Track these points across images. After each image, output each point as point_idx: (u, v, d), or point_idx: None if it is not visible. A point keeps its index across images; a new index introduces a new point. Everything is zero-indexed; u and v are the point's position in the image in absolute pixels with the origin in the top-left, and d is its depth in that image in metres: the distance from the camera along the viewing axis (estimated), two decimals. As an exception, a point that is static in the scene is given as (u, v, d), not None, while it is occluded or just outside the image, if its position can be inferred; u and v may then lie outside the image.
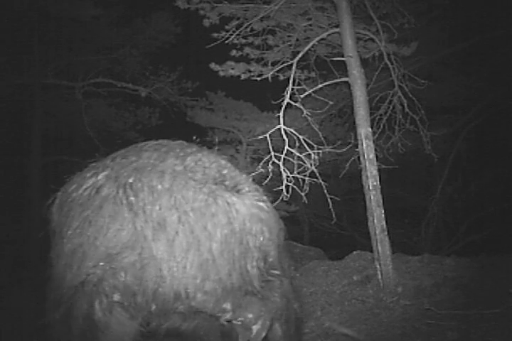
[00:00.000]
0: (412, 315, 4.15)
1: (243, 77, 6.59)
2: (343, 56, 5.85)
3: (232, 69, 6.54)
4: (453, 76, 10.13)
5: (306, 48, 6.08)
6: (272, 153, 5.57)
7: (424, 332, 4.00)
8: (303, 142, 5.72)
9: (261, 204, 2.26)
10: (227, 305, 2.17)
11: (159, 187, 2.07)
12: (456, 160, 10.95)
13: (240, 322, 2.25)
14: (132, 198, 2.04)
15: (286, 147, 5.63)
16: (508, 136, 10.45)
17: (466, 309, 4.31)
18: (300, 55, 6.09)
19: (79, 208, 2.10)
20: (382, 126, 6.55)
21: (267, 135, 5.77)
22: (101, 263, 2.01)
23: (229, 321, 2.28)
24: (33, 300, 5.51)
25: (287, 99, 5.76)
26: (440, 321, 4.15)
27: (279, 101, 5.84)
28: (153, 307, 2.06)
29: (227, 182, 2.24)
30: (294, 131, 5.75)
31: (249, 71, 6.58)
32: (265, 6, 6.09)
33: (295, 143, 5.76)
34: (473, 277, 5.14)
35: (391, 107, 6.42)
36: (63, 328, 2.11)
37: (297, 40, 6.52)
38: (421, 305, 4.45)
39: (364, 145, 5.53)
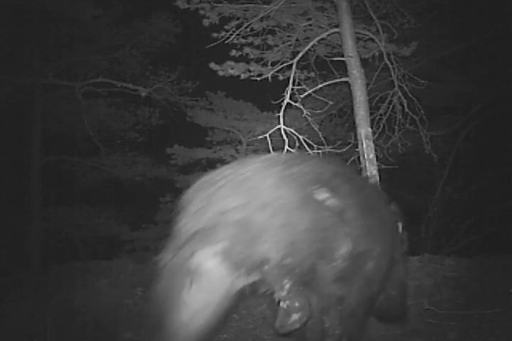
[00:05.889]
0: (412, 315, 4.14)
1: (243, 77, 6.58)
2: (343, 56, 5.86)
3: (232, 69, 6.53)
4: (453, 76, 10.13)
5: (306, 48, 6.08)
6: (272, 153, 5.57)
7: (424, 332, 4.00)
8: (303, 142, 5.72)
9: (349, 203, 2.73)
10: (286, 284, 2.55)
11: (269, 181, 2.61)
12: (456, 160, 10.95)
13: (285, 306, 2.59)
14: (248, 184, 2.60)
15: (286, 147, 5.63)
16: (508, 136, 10.45)
17: (466, 309, 4.31)
18: (300, 55, 6.09)
19: (207, 186, 2.67)
20: (382, 126, 6.54)
21: (267, 135, 5.78)
22: (217, 216, 2.52)
23: (277, 301, 2.62)
24: (33, 300, 5.51)
25: (287, 99, 5.76)
26: (440, 321, 4.15)
27: (279, 101, 5.84)
28: (245, 265, 2.48)
29: (326, 184, 2.72)
30: (294, 131, 5.75)
31: (249, 71, 6.57)
32: (265, 6, 6.09)
33: (295, 143, 5.76)
34: (473, 277, 5.14)
35: (391, 107, 6.42)
36: (169, 272, 2.56)
37: (297, 40, 6.51)
38: (421, 305, 4.45)
39: (364, 145, 5.53)
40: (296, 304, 2.57)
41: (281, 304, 2.60)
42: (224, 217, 2.51)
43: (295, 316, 2.58)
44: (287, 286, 2.55)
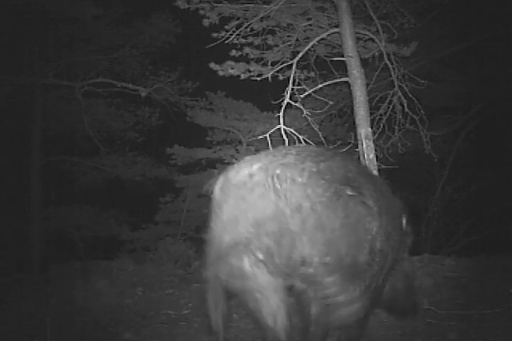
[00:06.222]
0: (411, 314, 4.15)
1: (243, 77, 6.57)
2: (343, 56, 5.86)
3: (232, 69, 6.52)
4: (453, 76, 10.13)
5: (306, 48, 6.08)
6: (272, 153, 5.55)
7: (424, 332, 4.00)
8: (303, 142, 5.72)
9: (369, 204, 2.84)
10: (333, 280, 2.62)
11: (299, 180, 2.61)
12: (456, 160, 10.94)
13: (333, 302, 2.66)
14: (278, 185, 2.59)
15: (286, 147, 5.62)
16: (508, 136, 10.45)
17: (466, 309, 4.31)
18: (300, 55, 6.09)
19: (236, 189, 2.65)
20: (382, 126, 6.53)
21: (267, 135, 5.79)
22: (251, 229, 2.56)
23: (316, 299, 2.71)
24: (33, 300, 5.51)
25: (287, 99, 5.77)
26: (440, 321, 4.15)
27: (279, 101, 5.84)
28: (283, 273, 2.59)
29: (351, 184, 2.79)
30: (294, 131, 5.75)
31: (249, 71, 6.56)
32: (265, 6, 6.08)
33: (295, 143, 5.76)
34: (473, 277, 5.14)
35: (391, 107, 6.41)
36: (214, 283, 2.71)
37: (297, 40, 6.51)
38: (421, 305, 4.44)
39: (364, 145, 5.54)
40: (347, 296, 2.66)
41: (325, 301, 2.68)
42: (258, 229, 2.56)
43: (350, 309, 2.69)
44: (334, 282, 2.63)
